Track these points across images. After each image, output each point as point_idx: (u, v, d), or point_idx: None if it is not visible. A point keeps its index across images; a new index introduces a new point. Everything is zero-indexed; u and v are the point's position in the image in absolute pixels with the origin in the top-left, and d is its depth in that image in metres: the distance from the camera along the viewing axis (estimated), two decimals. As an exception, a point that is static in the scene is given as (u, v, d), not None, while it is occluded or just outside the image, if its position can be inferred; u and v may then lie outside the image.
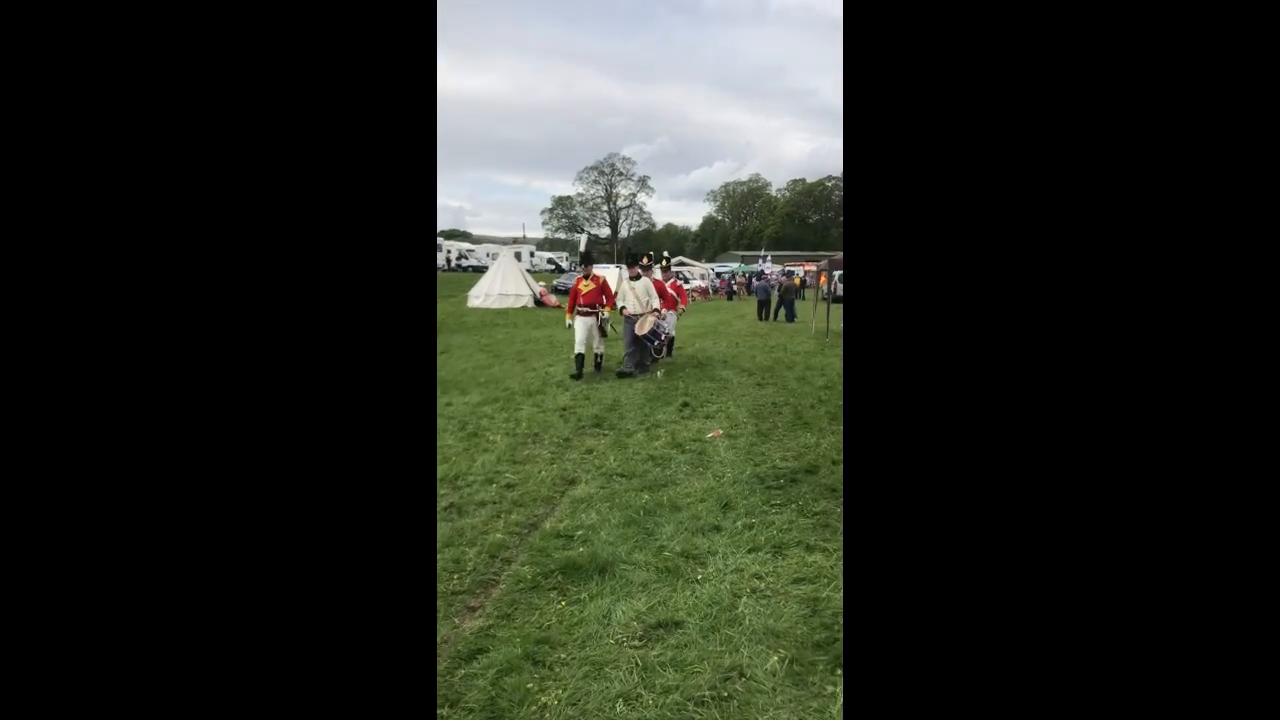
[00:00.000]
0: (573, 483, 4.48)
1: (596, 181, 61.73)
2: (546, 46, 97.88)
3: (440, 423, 6.29)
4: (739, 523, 3.66)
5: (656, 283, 9.85)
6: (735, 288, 32.20)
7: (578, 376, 8.66)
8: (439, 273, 34.71)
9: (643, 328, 9.11)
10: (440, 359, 11.93)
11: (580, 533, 3.56)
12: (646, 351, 9.31)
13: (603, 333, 9.20)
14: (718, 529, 3.59)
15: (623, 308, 9.43)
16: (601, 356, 9.31)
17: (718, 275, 37.74)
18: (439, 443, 5.54)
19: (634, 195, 62.69)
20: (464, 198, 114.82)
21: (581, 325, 8.96)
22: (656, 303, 9.33)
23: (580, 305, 9.06)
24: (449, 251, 42.05)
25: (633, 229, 63.35)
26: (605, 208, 62.73)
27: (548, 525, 3.68)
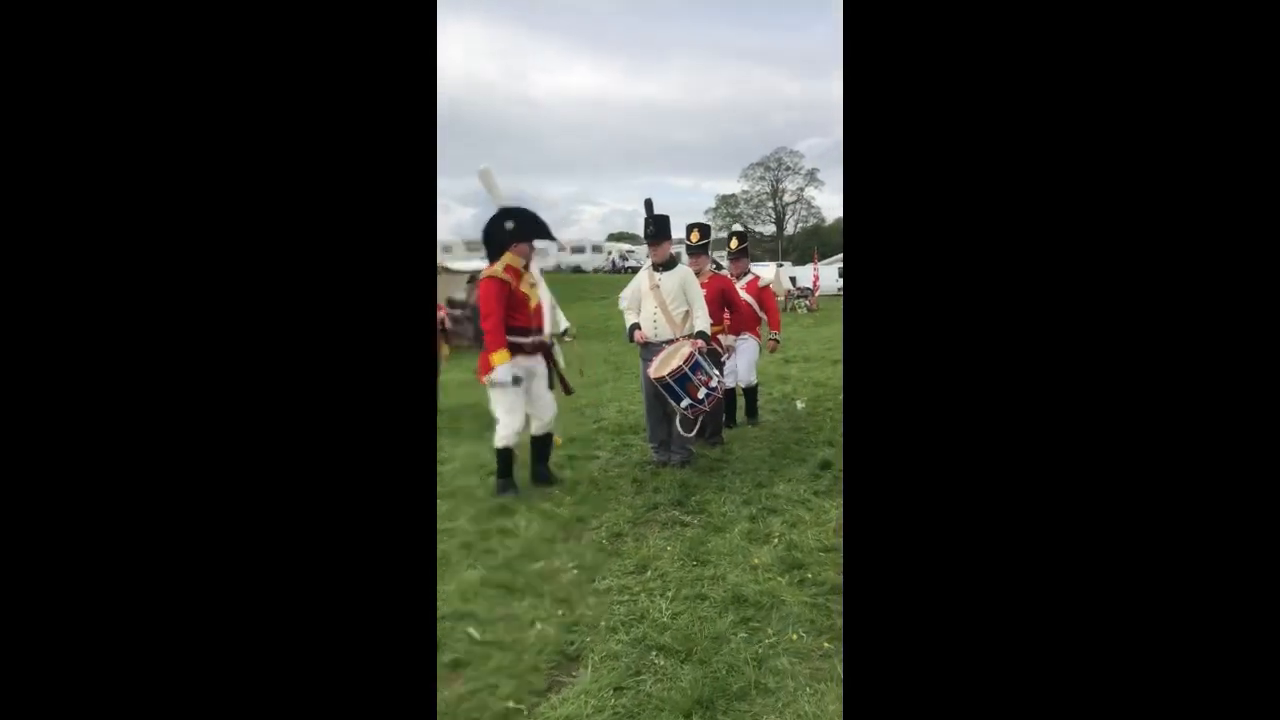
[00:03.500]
0: (575, 660, 2.39)
1: (762, 178, 58.55)
2: (718, 45, 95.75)
3: (476, 479, 4.44)
4: None
5: (717, 279, 5.12)
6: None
7: (506, 487, 4.05)
8: (603, 274, 35.47)
9: (662, 368, 4.19)
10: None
11: None
12: (684, 422, 4.29)
13: (563, 386, 4.39)
14: None
15: (633, 329, 4.54)
16: (549, 443, 4.29)
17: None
18: (454, 524, 3.68)
19: (801, 190, 58.66)
20: (637, 201, 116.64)
21: (508, 384, 3.88)
22: (702, 320, 4.39)
23: (516, 332, 3.95)
24: (610, 253, 43.17)
25: (799, 224, 59.40)
26: (770, 204, 59.42)
27: (432, 846, 1.61)
